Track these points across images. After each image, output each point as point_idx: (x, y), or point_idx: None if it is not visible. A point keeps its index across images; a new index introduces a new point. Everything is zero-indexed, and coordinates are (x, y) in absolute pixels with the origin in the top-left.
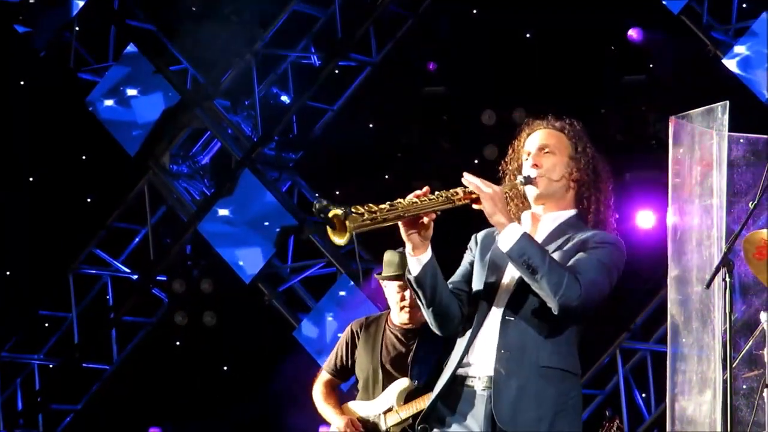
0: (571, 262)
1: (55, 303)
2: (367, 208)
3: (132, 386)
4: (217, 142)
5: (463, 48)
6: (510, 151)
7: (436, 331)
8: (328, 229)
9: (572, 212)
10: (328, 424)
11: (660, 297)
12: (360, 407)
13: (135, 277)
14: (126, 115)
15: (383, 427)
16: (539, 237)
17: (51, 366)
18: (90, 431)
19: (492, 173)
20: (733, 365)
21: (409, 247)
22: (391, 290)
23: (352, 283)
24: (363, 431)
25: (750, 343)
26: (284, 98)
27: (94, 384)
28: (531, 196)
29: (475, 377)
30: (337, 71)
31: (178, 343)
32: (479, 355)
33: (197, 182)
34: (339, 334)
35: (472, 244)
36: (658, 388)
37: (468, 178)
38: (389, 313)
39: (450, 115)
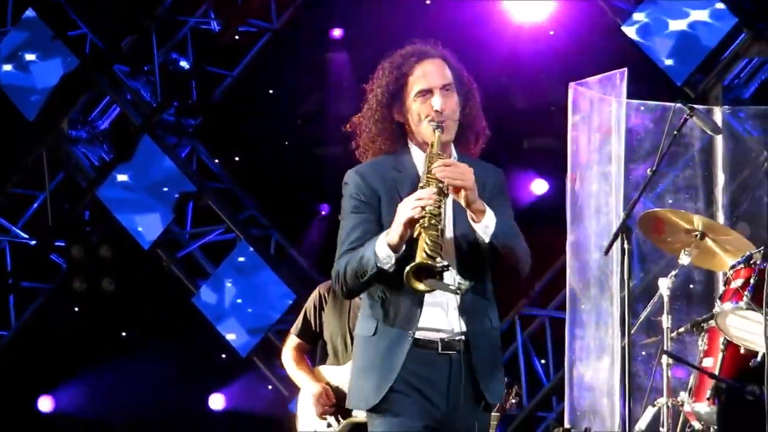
0: (507, 219)
1: None
2: (432, 241)
3: (30, 352)
4: (116, 108)
5: (364, 13)
6: (386, 75)
7: (342, 296)
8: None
9: (453, 146)
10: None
11: (558, 263)
12: (330, 373)
13: (33, 242)
14: (24, 80)
15: None
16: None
17: None
18: None
19: None
20: (632, 332)
21: (396, 242)
22: None
23: (251, 249)
24: (333, 401)
25: (648, 309)
26: (183, 64)
27: None
28: (435, 141)
29: (435, 341)
30: (237, 37)
31: (76, 308)
32: (433, 319)
33: (96, 148)
34: (238, 300)
35: (362, 188)
36: (557, 355)
37: (448, 173)
38: None
39: (350, 80)
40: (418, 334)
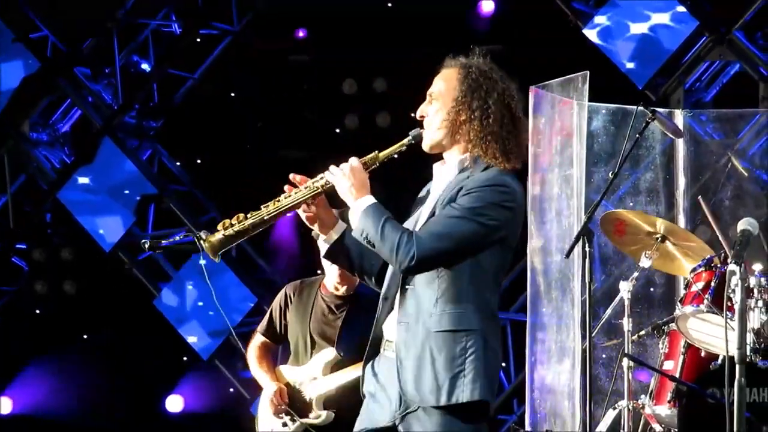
0: (428, 223)
1: None
2: (230, 223)
3: None
4: (77, 110)
5: (325, 17)
6: None
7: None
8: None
9: (462, 157)
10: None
11: (520, 266)
12: (289, 373)
13: None
14: None
15: (307, 396)
16: (437, 191)
17: None
18: None
19: (354, 142)
20: (593, 334)
21: (316, 228)
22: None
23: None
24: (287, 402)
25: (609, 312)
26: (145, 66)
27: None
28: (395, 147)
29: (391, 341)
30: (198, 40)
31: (38, 311)
32: (389, 323)
33: (57, 150)
34: (199, 303)
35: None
36: (518, 358)
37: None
38: (323, 278)
39: (312, 84)
40: (387, 341)
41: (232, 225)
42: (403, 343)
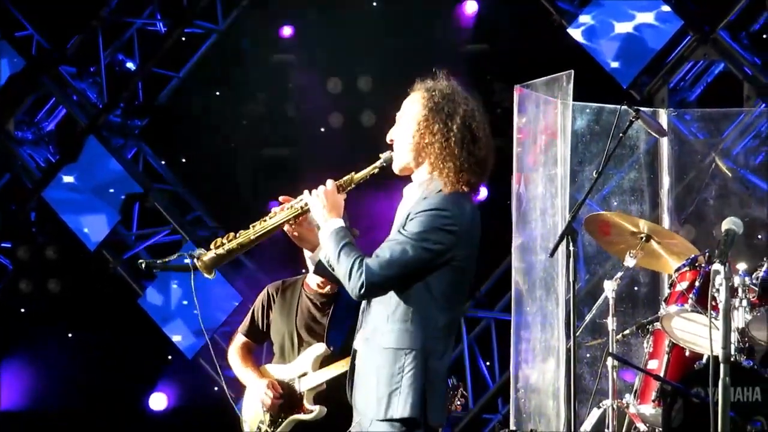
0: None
1: None
2: (221, 242)
3: None
4: (62, 109)
5: (310, 16)
6: None
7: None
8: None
9: (424, 180)
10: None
11: (504, 265)
12: (277, 370)
13: None
14: None
15: (298, 390)
16: (402, 212)
17: None
18: None
19: (338, 141)
20: (577, 334)
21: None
22: None
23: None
24: (281, 393)
25: (593, 311)
26: (130, 65)
27: None
28: (368, 169)
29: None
30: (183, 38)
31: (22, 309)
32: (359, 337)
33: (42, 149)
34: (184, 302)
35: None
36: (503, 357)
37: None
38: (305, 277)
39: (297, 82)
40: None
41: (223, 244)
42: (363, 357)
